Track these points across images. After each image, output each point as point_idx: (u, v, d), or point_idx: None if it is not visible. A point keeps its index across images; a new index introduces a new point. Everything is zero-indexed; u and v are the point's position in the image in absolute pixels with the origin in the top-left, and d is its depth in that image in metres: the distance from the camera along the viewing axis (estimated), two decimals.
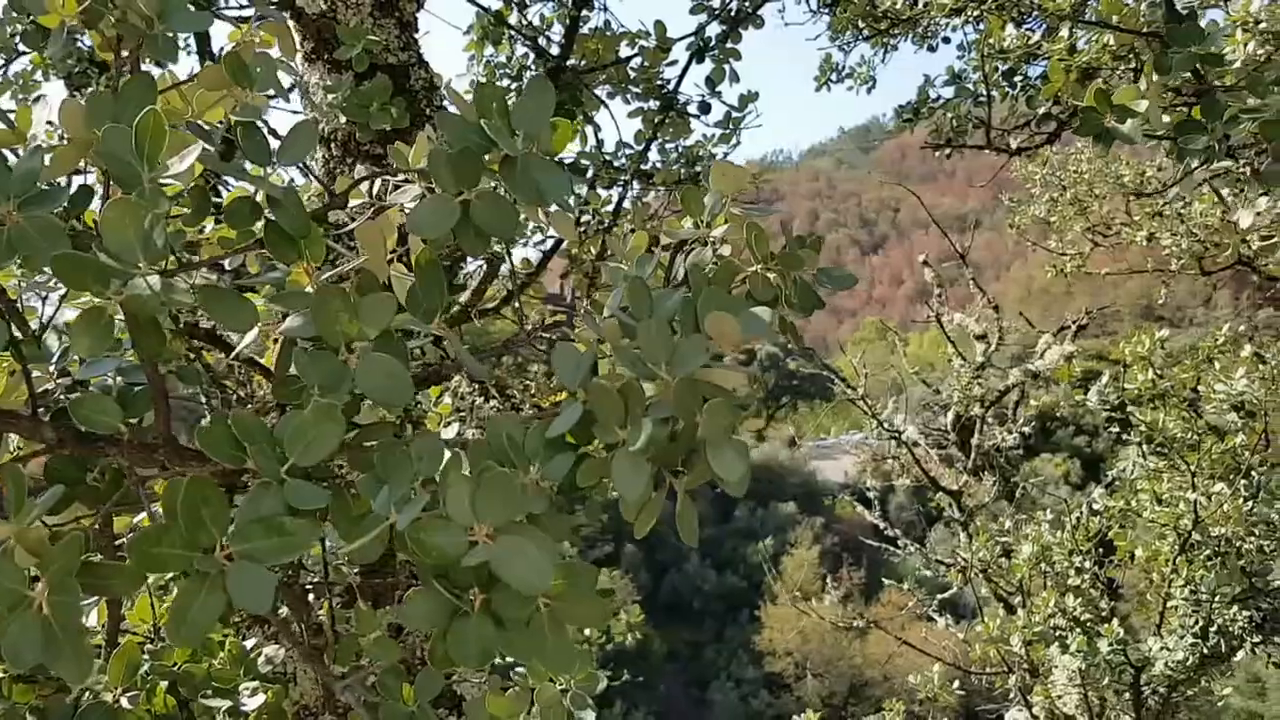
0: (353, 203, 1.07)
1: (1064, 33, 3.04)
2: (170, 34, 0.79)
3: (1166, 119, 1.53)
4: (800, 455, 43.68)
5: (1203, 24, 3.13)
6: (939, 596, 5.33)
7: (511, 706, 1.54)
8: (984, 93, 3.19)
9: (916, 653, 5.85)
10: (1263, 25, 2.72)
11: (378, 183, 1.08)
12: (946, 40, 3.92)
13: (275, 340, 0.82)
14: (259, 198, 0.77)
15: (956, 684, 4.23)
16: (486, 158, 0.73)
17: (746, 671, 34.81)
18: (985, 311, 5.28)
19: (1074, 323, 5.32)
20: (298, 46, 2.13)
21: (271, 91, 2.07)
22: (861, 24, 3.91)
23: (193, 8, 0.85)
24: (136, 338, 0.67)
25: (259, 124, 0.78)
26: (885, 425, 4.77)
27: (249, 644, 1.62)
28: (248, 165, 0.83)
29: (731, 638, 34.72)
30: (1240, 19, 2.75)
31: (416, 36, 2.10)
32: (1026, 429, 5.41)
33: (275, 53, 1.10)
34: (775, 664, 32.00)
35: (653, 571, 40.68)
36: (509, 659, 1.76)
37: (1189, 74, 1.85)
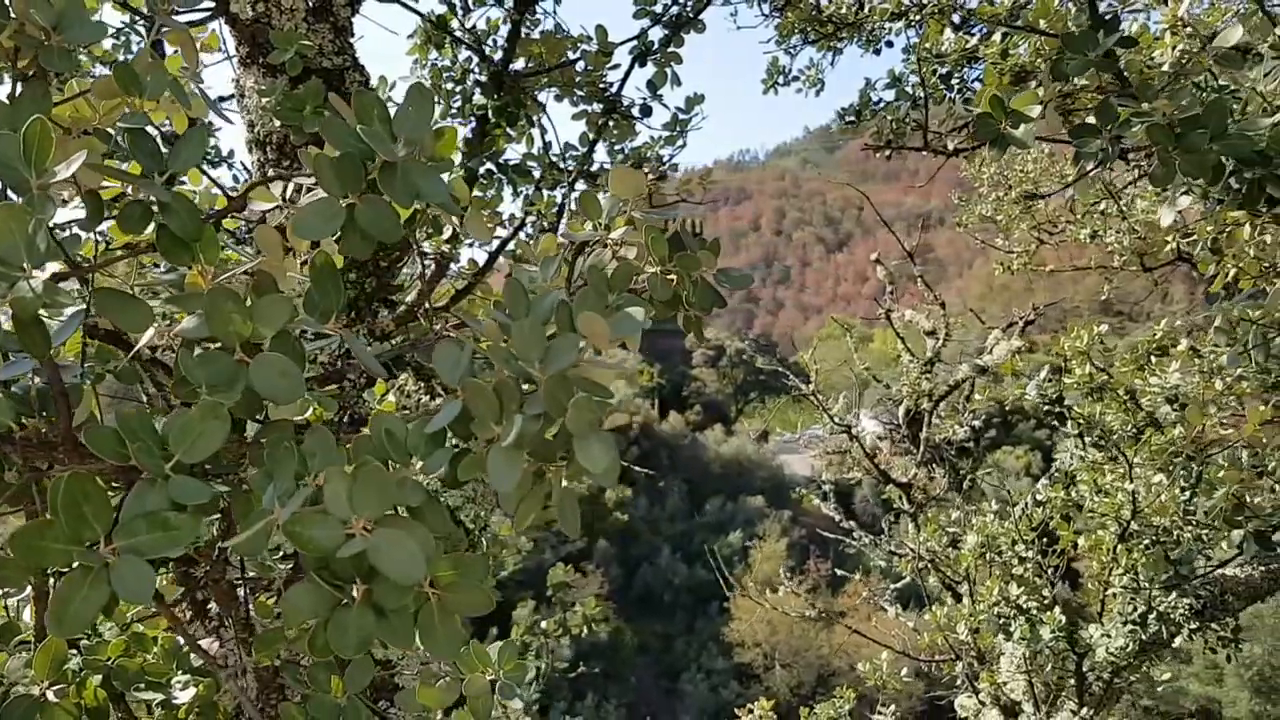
0: (265, 206, 1.10)
1: (996, 37, 3.13)
2: (67, 45, 0.81)
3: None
4: (768, 450, 44.11)
5: (1134, 28, 3.23)
6: (893, 586, 5.43)
7: (441, 697, 1.57)
8: (922, 96, 3.27)
9: (894, 640, 5.98)
10: (1189, 30, 2.83)
11: (290, 185, 1.11)
12: (889, 44, 4.00)
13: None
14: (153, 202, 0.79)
15: (904, 671, 4.32)
16: (371, 163, 0.76)
17: (716, 662, 35.17)
18: (934, 308, 5.40)
19: (1022, 319, 5.46)
20: (233, 51, 2.14)
21: (216, 95, 2.05)
22: (806, 28, 3.98)
23: (117, 13, 0.87)
24: (22, 338, 0.69)
25: (150, 130, 0.81)
26: (836, 420, 4.86)
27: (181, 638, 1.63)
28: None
29: (702, 629, 35.04)
30: (1170, 23, 2.86)
31: (352, 41, 2.12)
32: (977, 422, 5.54)
33: (230, 57, 1.12)
34: (744, 655, 32.37)
35: (624, 566, 40.89)
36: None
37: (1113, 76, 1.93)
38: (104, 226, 1.00)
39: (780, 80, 4.24)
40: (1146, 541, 3.83)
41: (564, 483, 0.78)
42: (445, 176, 1.43)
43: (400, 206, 0.76)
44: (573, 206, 3.61)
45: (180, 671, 1.58)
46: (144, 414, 0.69)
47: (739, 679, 32.16)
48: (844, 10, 4.08)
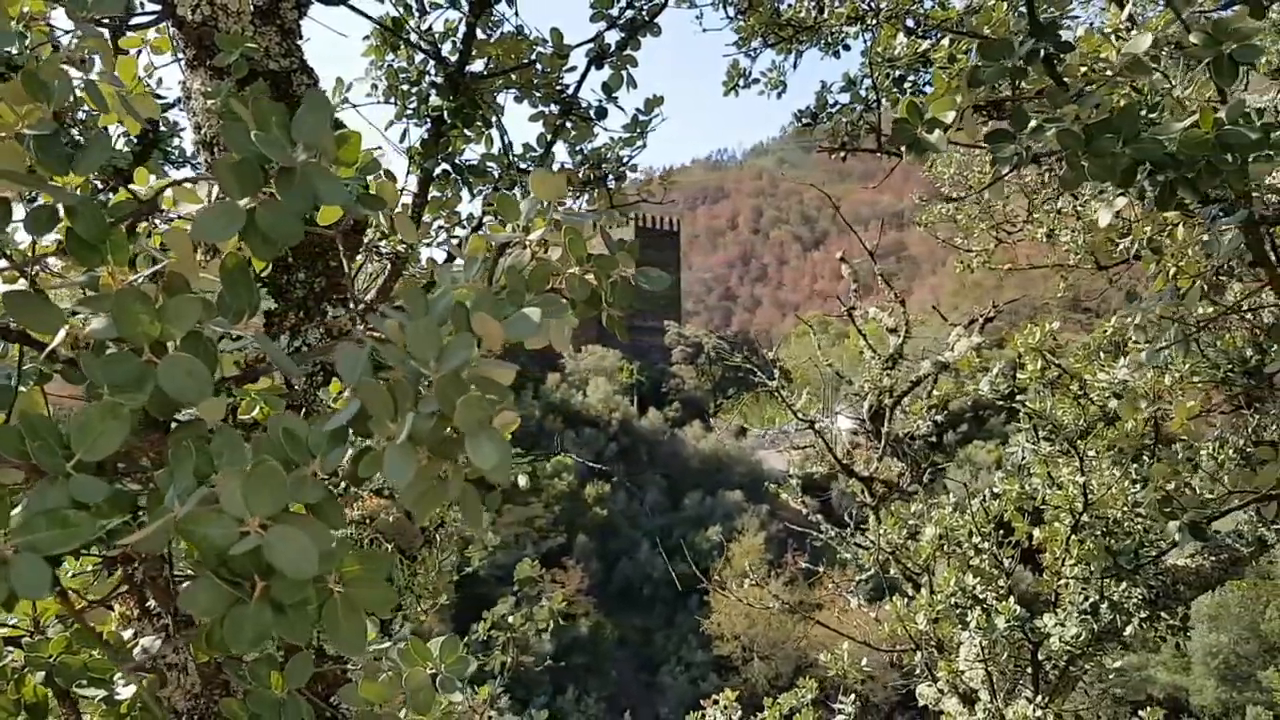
0: (194, 207, 1.12)
1: (945, 42, 3.20)
2: None
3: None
4: (746, 445, 44.40)
5: (1080, 32, 3.30)
6: (859, 579, 5.51)
7: (384, 691, 1.59)
8: (875, 99, 3.33)
9: (859, 632, 6.06)
10: (1134, 34, 2.91)
11: (215, 188, 1.13)
12: (846, 47, 4.06)
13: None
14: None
15: (865, 661, 4.40)
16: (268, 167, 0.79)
17: (696, 655, 35.45)
18: (895, 306, 5.49)
19: (982, 316, 5.55)
20: (180, 53, 2.15)
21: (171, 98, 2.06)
22: (766, 32, 4.03)
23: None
24: None
25: (61, 134, 0.83)
26: (800, 415, 4.94)
27: (126, 634, 1.65)
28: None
29: (681, 623, 35.32)
30: (1114, 27, 2.93)
31: (299, 43, 2.14)
32: (939, 417, 5.63)
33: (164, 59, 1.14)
34: (723, 647, 32.66)
35: (604, 560, 41.06)
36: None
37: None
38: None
39: (741, 82, 4.29)
40: (1098, 532, 3.92)
41: (464, 479, 0.81)
42: (371, 179, 1.45)
43: (305, 208, 0.79)
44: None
45: (122, 667, 1.59)
46: (47, 415, 0.72)
47: (718, 671, 32.44)
48: (803, 14, 4.14)
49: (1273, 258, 2.68)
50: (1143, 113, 1.80)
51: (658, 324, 60.40)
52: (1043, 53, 1.82)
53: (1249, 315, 2.56)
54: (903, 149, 1.38)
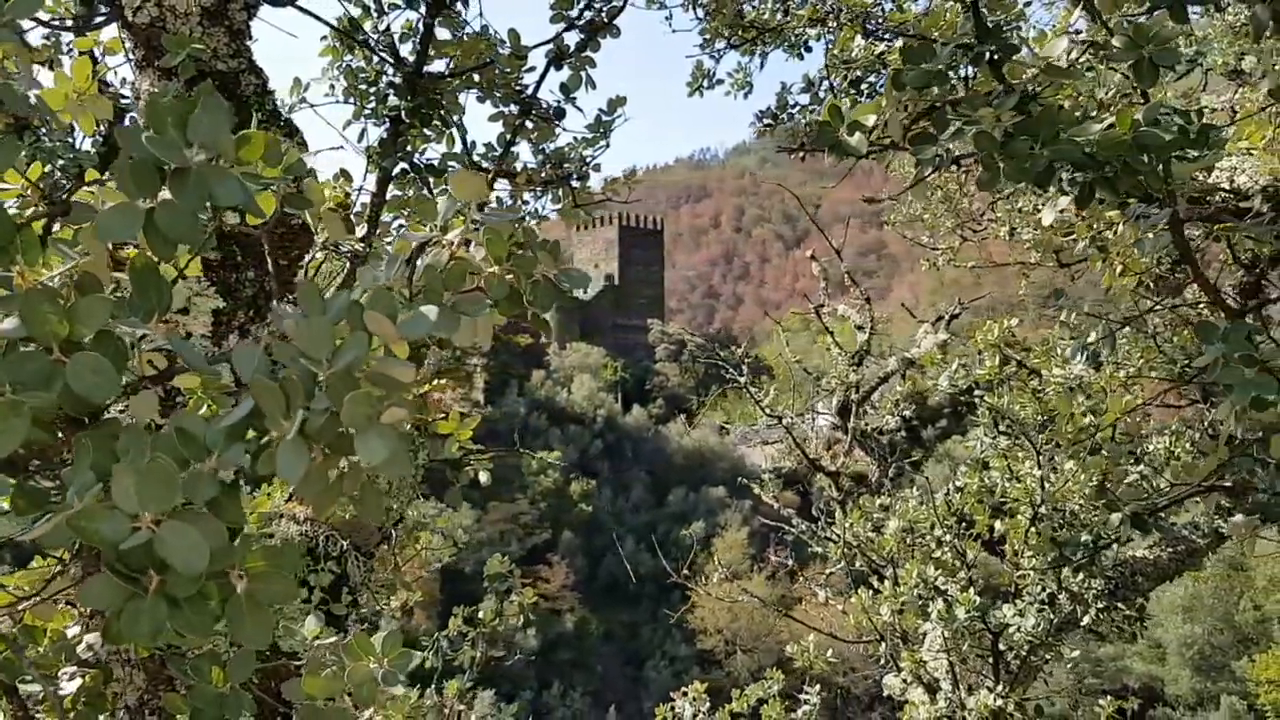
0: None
1: (899, 44, 3.25)
2: None
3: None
4: (729, 441, 44.62)
5: (1032, 34, 3.35)
6: (828, 572, 5.58)
7: (327, 685, 1.62)
8: (833, 100, 3.38)
9: (836, 624, 6.12)
10: (1082, 35, 2.97)
11: None
12: (809, 49, 4.11)
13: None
14: None
15: (830, 652, 4.47)
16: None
17: (680, 649, 35.68)
18: (862, 304, 5.56)
19: (949, 313, 5.63)
20: (129, 55, 2.16)
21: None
22: (729, 33, 4.07)
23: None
24: None
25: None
26: (768, 411, 5.00)
27: (71, 631, 1.67)
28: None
29: (665, 618, 35.57)
30: (1062, 29, 2.99)
31: (249, 44, 2.15)
32: (908, 412, 5.70)
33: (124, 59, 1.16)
34: (707, 641, 32.91)
35: (589, 556, 41.22)
36: None
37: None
38: None
39: (705, 83, 4.33)
40: (1054, 525, 4.00)
41: (361, 474, 0.84)
42: (307, 181, 1.47)
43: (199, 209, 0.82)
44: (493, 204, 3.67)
45: (69, 664, 1.61)
46: None
47: (701, 665, 32.71)
48: (766, 16, 4.18)
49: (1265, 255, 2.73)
50: (1076, 114, 1.85)
51: (641, 322, 60.48)
52: (988, 55, 1.86)
53: (1180, 311, 2.63)
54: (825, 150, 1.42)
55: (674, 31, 5.08)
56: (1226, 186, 3.19)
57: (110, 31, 2.33)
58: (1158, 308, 2.45)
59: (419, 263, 1.15)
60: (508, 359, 53.57)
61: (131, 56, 2.14)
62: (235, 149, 0.87)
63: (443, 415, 2.87)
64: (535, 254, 1.17)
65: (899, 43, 3.14)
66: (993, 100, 1.50)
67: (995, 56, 1.86)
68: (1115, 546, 4.60)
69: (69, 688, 1.57)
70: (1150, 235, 1.93)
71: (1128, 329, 3.30)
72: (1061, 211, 2.52)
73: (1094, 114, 1.77)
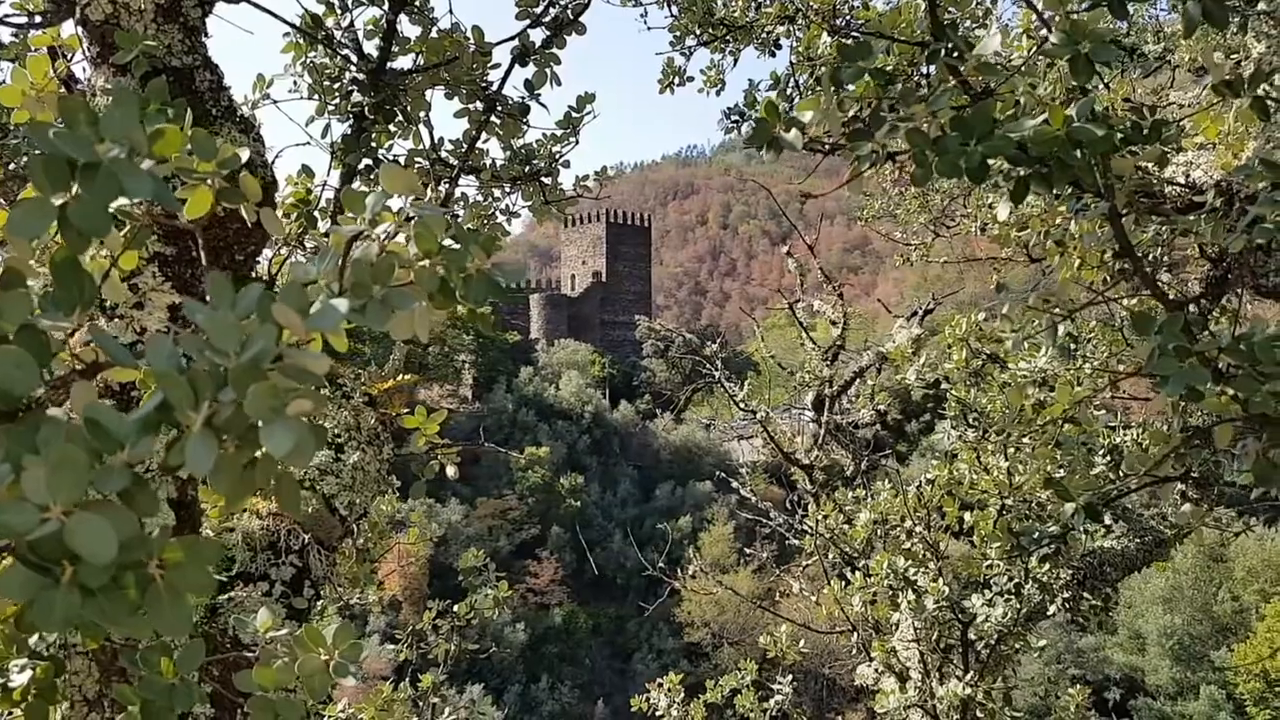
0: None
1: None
2: None
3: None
4: (716, 436, 44.83)
5: (993, 32, 3.38)
6: (804, 564, 5.62)
7: (278, 676, 1.64)
8: (799, 97, 3.41)
9: (818, 615, 6.19)
10: (1043, 33, 3.01)
11: None
12: (778, 46, 4.13)
13: None
14: None
15: (802, 643, 4.53)
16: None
17: (667, 643, 35.91)
18: (835, 299, 5.61)
19: (922, 308, 5.68)
20: (84, 51, 2.16)
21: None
22: (699, 30, 4.09)
23: None
24: None
25: None
26: (742, 405, 5.05)
27: None
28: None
29: (653, 611, 35.77)
30: (1025, 26, 3.03)
31: (204, 40, 2.16)
32: (882, 407, 5.75)
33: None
34: (694, 634, 33.12)
35: (578, 551, 41.37)
36: None
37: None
38: None
39: (676, 80, 4.35)
40: (1021, 516, 4.05)
41: (275, 466, 0.86)
42: (251, 176, 1.48)
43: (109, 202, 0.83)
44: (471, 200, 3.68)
45: (20, 655, 1.62)
46: None
47: (689, 658, 32.93)
48: (736, 14, 4.21)
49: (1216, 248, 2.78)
50: (1013, 110, 1.89)
51: (629, 318, 60.52)
52: (943, 53, 1.90)
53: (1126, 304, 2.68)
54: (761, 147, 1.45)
55: (649, 29, 5.11)
56: (1182, 181, 3.24)
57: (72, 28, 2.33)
58: (1098, 300, 2.50)
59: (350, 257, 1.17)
60: (496, 355, 53.55)
61: (86, 53, 2.15)
62: (150, 143, 0.89)
63: (408, 410, 2.89)
64: (467, 247, 1.20)
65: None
66: (928, 97, 1.53)
67: (951, 54, 1.90)
68: (1085, 537, 4.67)
69: (19, 679, 1.58)
70: (1082, 228, 1.97)
71: (1095, 322, 3.35)
72: (1018, 207, 2.56)
73: (1035, 111, 1.80)
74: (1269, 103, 2.17)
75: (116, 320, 2.12)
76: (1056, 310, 2.15)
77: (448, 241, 1.23)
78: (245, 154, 1.28)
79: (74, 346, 1.07)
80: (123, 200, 1.27)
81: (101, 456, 0.83)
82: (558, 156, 3.67)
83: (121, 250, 1.19)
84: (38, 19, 2.43)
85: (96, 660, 1.70)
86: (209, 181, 1.28)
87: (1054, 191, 1.61)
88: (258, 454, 0.88)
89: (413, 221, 1.17)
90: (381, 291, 1.13)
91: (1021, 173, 1.65)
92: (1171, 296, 2.44)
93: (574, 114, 3.55)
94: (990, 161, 1.63)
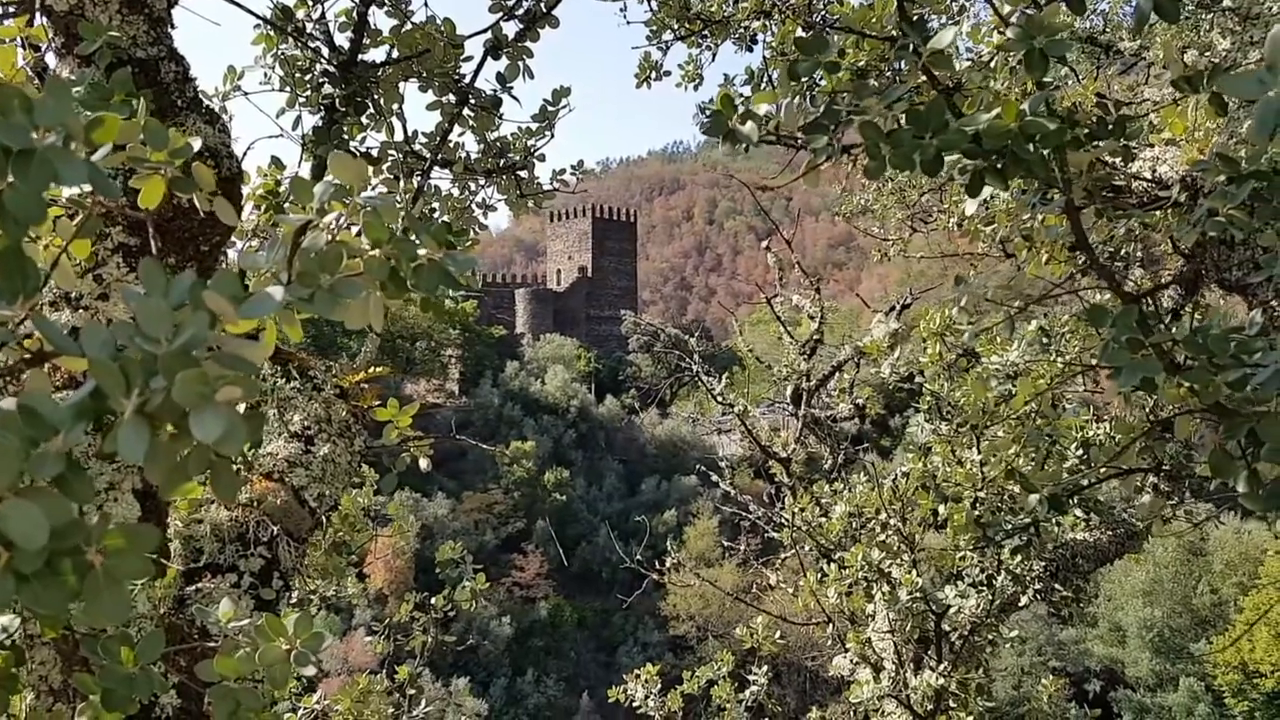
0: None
1: (835, 38, 3.29)
2: None
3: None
4: (701, 431, 44.98)
5: (966, 27, 3.41)
6: (783, 557, 5.66)
7: (239, 666, 1.64)
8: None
9: (799, 609, 6.23)
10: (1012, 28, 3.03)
11: None
12: (755, 41, 4.15)
13: None
14: None
15: (778, 635, 4.57)
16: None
17: (652, 636, 36.07)
18: (811, 293, 5.64)
19: (899, 303, 5.72)
20: (49, 42, 2.15)
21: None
22: (676, 24, 4.10)
23: None
24: None
25: None
26: (719, 399, 5.07)
27: None
28: None
29: (638, 604, 35.92)
30: (996, 23, 3.05)
31: (169, 31, 2.15)
32: (861, 400, 5.79)
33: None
34: (679, 628, 33.27)
35: (564, 545, 41.47)
36: None
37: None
38: None
39: (653, 75, 4.36)
40: (995, 508, 4.09)
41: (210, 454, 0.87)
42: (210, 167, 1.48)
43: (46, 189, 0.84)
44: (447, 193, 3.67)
45: None
46: None
47: (674, 651, 33.09)
48: (713, 8, 4.21)
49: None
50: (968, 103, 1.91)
51: (615, 313, 60.51)
52: (912, 48, 1.91)
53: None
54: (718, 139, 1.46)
55: (628, 24, 5.11)
56: (1148, 176, 3.28)
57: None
58: (1055, 294, 2.53)
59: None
60: (482, 350, 53.44)
61: (51, 44, 2.14)
62: (88, 131, 0.89)
63: (379, 403, 2.89)
64: (419, 237, 1.20)
65: (835, 37, 3.19)
66: (882, 90, 1.55)
67: (919, 49, 1.91)
68: (1058, 530, 4.72)
69: None
70: (1039, 222, 2.00)
71: (1067, 316, 3.38)
72: (985, 202, 2.58)
73: (992, 105, 1.82)
74: (1227, 98, 2.20)
75: (81, 311, 2.12)
76: (1015, 304, 2.18)
77: (401, 231, 1.24)
78: (197, 143, 1.29)
79: (19, 335, 1.07)
80: (70, 190, 1.28)
81: (36, 443, 0.84)
82: (533, 150, 3.67)
83: (71, 239, 1.19)
84: (11, 9, 2.42)
85: (58, 650, 1.70)
86: (162, 171, 1.28)
87: (1008, 186, 1.62)
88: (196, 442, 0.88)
89: (362, 211, 1.18)
90: (329, 280, 1.14)
91: (976, 166, 1.67)
92: (1131, 290, 2.47)
93: (550, 107, 3.55)
94: (947, 156, 1.65)
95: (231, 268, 2.43)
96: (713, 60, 4.68)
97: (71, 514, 0.81)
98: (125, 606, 0.91)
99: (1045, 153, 1.63)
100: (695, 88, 4.71)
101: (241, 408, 0.86)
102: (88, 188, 1.00)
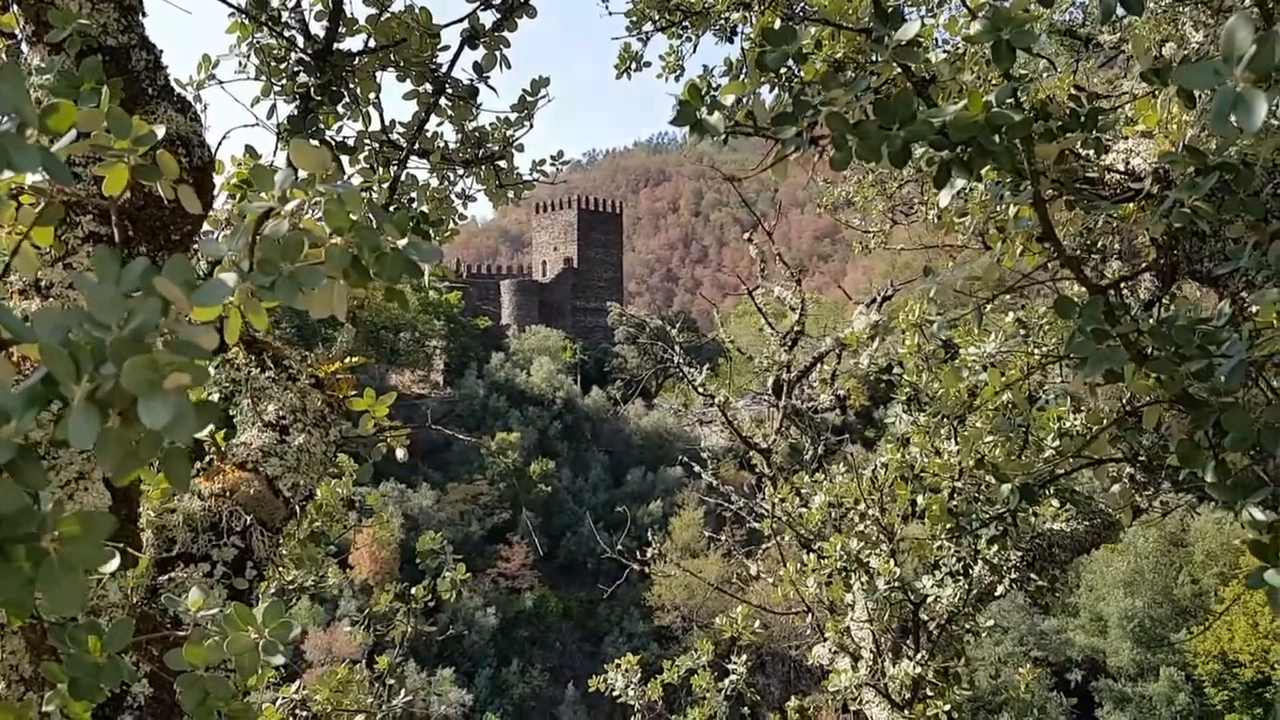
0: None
1: (812, 30, 3.30)
2: None
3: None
4: (686, 421, 45.12)
5: (943, 20, 3.41)
6: (764, 547, 5.69)
7: (207, 655, 1.64)
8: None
9: (778, 598, 6.28)
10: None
11: None
12: (735, 32, 4.15)
13: None
14: None
15: (757, 624, 4.61)
16: None
17: (638, 626, 36.23)
18: (793, 285, 5.67)
19: (881, 294, 5.75)
20: (20, 30, 2.13)
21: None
22: (657, 15, 4.09)
23: None
24: None
25: None
26: (700, 390, 5.09)
27: None
28: None
29: (623, 595, 36.04)
30: (967, 16, 3.06)
31: (140, 19, 2.14)
32: (842, 391, 5.82)
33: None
34: (664, 618, 33.42)
35: (549, 535, 41.54)
36: None
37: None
38: None
39: (633, 65, 4.35)
40: (971, 498, 4.13)
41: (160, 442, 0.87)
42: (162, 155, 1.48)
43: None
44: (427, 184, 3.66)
45: None
46: None
47: (659, 641, 33.25)
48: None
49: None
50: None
51: (600, 304, 60.44)
52: (886, 40, 1.92)
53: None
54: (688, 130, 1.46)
55: (610, 14, 5.09)
56: (1122, 168, 3.31)
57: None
58: (1023, 285, 2.55)
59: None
60: (467, 341, 53.27)
61: (21, 32, 2.11)
62: (42, 118, 0.89)
63: (356, 393, 2.89)
64: (380, 225, 1.20)
65: (812, 29, 3.19)
66: (849, 82, 1.56)
67: (889, 41, 1.92)
68: (1035, 519, 4.77)
69: None
70: (1008, 213, 2.01)
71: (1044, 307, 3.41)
72: (959, 193, 2.60)
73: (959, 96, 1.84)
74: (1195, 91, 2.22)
75: (51, 300, 2.10)
76: (983, 295, 2.20)
77: (364, 219, 1.24)
78: (161, 131, 1.28)
79: None
80: (33, 177, 1.27)
81: None
82: (512, 140, 3.66)
83: (31, 226, 1.19)
84: None
85: (26, 639, 1.70)
86: (125, 158, 1.27)
87: (975, 176, 1.64)
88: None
89: (324, 198, 1.18)
90: (290, 268, 1.14)
91: (944, 158, 1.68)
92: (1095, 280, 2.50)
93: (528, 98, 3.55)
94: (915, 148, 1.67)
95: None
96: (694, 51, 4.68)
97: (23, 500, 0.81)
98: (82, 594, 0.91)
99: (1013, 144, 1.64)
100: (676, 79, 4.71)
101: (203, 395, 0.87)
102: (44, 175, 1.00)
